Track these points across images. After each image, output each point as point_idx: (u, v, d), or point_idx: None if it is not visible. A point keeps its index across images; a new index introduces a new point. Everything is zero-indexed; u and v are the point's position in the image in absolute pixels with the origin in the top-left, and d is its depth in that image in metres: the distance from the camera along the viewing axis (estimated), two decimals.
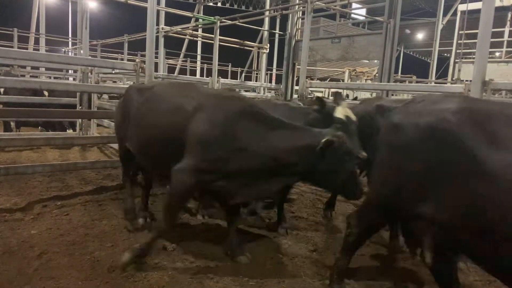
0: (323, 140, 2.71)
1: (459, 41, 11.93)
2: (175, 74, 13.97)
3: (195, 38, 13.42)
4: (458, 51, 12.02)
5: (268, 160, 2.80)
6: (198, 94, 3.14)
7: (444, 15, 13.95)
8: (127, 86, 4.57)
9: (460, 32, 11.69)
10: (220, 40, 8.78)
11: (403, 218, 2.40)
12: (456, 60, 11.84)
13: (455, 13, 13.28)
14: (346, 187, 2.92)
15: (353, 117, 3.54)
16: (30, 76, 11.64)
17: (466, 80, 8.21)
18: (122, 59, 14.49)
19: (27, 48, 14.63)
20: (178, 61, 17.39)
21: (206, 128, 2.83)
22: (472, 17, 10.64)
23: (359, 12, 11.03)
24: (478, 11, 4.43)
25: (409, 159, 2.21)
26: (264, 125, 2.86)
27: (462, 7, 12.24)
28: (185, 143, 2.88)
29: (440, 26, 13.30)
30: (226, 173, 2.84)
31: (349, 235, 2.69)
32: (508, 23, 11.80)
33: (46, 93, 7.65)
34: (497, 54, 13.58)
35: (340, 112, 3.51)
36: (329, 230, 4.01)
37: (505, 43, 11.86)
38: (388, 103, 3.50)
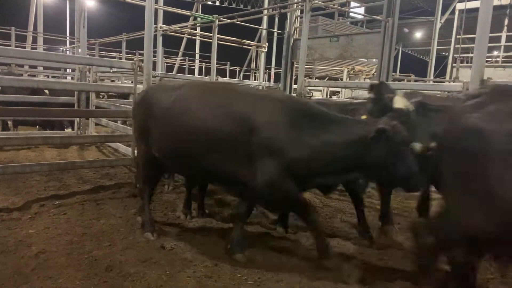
0: (375, 128, 2.64)
1: (457, 41, 11.95)
2: (173, 73, 13.97)
3: (193, 37, 13.40)
4: (457, 46, 12.03)
5: (327, 155, 2.81)
6: (248, 95, 3.13)
7: (442, 14, 13.93)
8: (141, 87, 4.34)
9: (458, 37, 11.70)
10: (219, 39, 8.77)
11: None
12: (455, 56, 11.84)
13: (453, 12, 13.27)
14: (404, 179, 2.79)
15: (412, 108, 3.18)
16: (28, 75, 11.60)
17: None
18: (120, 58, 14.46)
19: (24, 47, 14.57)
20: (176, 59, 17.35)
21: (276, 131, 2.84)
22: (470, 16, 10.65)
23: (358, 11, 11.04)
24: (476, 9, 4.44)
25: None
26: (320, 121, 2.88)
27: (460, 5, 12.24)
28: (240, 146, 2.89)
29: (439, 25, 13.29)
30: (298, 172, 2.87)
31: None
32: (505, 28, 11.83)
33: (47, 91, 7.62)
34: (495, 53, 13.61)
35: (400, 102, 3.15)
36: (328, 229, 4.00)
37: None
38: (429, 101, 3.36)
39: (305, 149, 2.82)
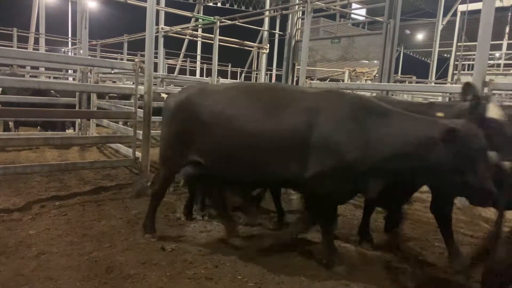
0: (445, 129, 2.40)
1: (459, 43, 11.96)
2: (175, 74, 13.99)
3: (195, 38, 13.42)
4: (458, 52, 12.05)
5: (387, 153, 2.65)
6: (304, 94, 3.05)
7: (444, 15, 13.94)
8: (168, 93, 4.03)
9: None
10: (220, 40, 8.77)
11: None
12: (458, 54, 11.86)
13: (455, 14, 13.29)
14: (473, 190, 2.48)
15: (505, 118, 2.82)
16: (30, 76, 11.62)
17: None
18: (121, 59, 14.48)
19: (26, 48, 14.61)
20: (178, 61, 17.39)
21: (338, 130, 2.75)
22: (472, 18, 10.64)
23: (359, 13, 11.02)
24: (478, 11, 4.43)
25: None
26: (382, 117, 2.75)
27: (462, 7, 12.25)
28: (300, 144, 2.80)
29: (440, 27, 13.30)
30: (355, 169, 2.75)
31: None
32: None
33: (52, 91, 7.61)
34: (497, 55, 13.60)
35: (494, 112, 2.75)
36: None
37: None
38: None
39: (365, 146, 2.69)
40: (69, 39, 18.39)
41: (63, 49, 19.42)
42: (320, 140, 2.77)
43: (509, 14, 11.54)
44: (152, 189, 3.67)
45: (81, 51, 8.27)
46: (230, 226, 3.58)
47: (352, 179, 2.80)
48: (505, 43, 11.88)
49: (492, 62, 12.65)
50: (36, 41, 15.49)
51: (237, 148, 3.00)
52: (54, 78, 13.14)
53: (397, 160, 2.66)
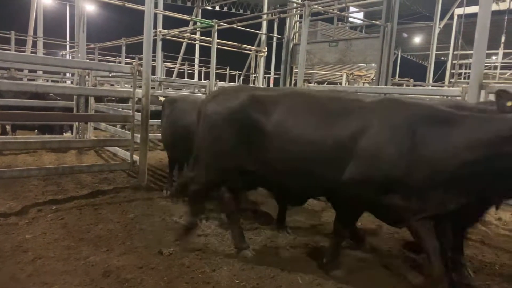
0: None
1: (456, 46, 12.04)
2: (173, 77, 14.00)
3: (193, 42, 13.45)
4: (455, 53, 12.14)
5: (448, 161, 2.47)
6: (361, 103, 2.94)
7: (441, 19, 14.00)
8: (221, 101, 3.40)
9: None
10: (218, 43, 8.79)
11: None
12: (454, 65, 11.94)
13: (452, 17, 13.34)
14: None
15: None
16: (28, 79, 11.60)
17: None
18: (120, 62, 14.49)
19: (24, 51, 14.60)
20: (176, 64, 17.41)
21: (387, 142, 2.65)
22: (469, 21, 10.68)
23: (357, 16, 11.07)
24: (475, 15, 4.45)
25: None
26: (443, 123, 2.58)
27: (459, 11, 12.30)
28: (351, 154, 2.73)
29: (437, 30, 13.37)
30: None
31: None
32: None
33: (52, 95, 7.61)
34: (494, 58, 13.67)
35: None
36: (327, 234, 3.98)
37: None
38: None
39: (417, 159, 2.54)
40: (67, 42, 18.39)
41: (61, 52, 19.41)
42: (370, 149, 2.69)
43: (505, 17, 11.62)
44: (193, 191, 3.52)
45: (79, 54, 8.27)
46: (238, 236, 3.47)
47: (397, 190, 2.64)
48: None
49: (489, 60, 12.72)
50: (34, 44, 15.48)
51: (295, 157, 2.95)
52: (52, 81, 13.14)
53: (460, 168, 2.47)
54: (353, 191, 2.80)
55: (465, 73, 12.97)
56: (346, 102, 3.01)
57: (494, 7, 9.92)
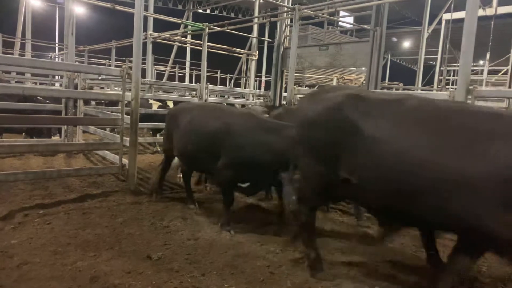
0: None
1: (444, 50, 12.22)
2: (163, 80, 13.93)
3: (184, 45, 13.41)
4: (444, 56, 12.33)
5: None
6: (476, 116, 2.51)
7: (430, 24, 14.18)
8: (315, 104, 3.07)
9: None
10: (209, 47, 8.77)
11: None
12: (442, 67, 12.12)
13: (440, 22, 13.53)
14: None
15: None
16: (16, 82, 11.44)
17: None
18: (110, 65, 14.37)
19: (12, 54, 14.39)
20: (167, 67, 17.34)
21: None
22: (457, 26, 10.85)
23: (347, 20, 11.15)
24: (462, 20, 4.52)
25: None
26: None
27: (446, 16, 12.49)
28: None
29: (426, 35, 13.51)
30: None
31: None
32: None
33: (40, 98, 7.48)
34: (481, 62, 13.89)
35: None
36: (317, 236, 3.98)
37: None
38: None
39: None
40: (56, 44, 18.21)
41: (50, 55, 19.20)
42: None
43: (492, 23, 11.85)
44: (300, 220, 3.18)
45: (68, 57, 8.19)
46: None
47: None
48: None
49: (476, 64, 12.90)
50: (23, 46, 15.27)
51: (402, 164, 2.49)
52: (41, 84, 12.97)
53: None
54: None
55: (453, 78, 13.17)
56: (481, 119, 2.44)
57: (481, 12, 10.10)
